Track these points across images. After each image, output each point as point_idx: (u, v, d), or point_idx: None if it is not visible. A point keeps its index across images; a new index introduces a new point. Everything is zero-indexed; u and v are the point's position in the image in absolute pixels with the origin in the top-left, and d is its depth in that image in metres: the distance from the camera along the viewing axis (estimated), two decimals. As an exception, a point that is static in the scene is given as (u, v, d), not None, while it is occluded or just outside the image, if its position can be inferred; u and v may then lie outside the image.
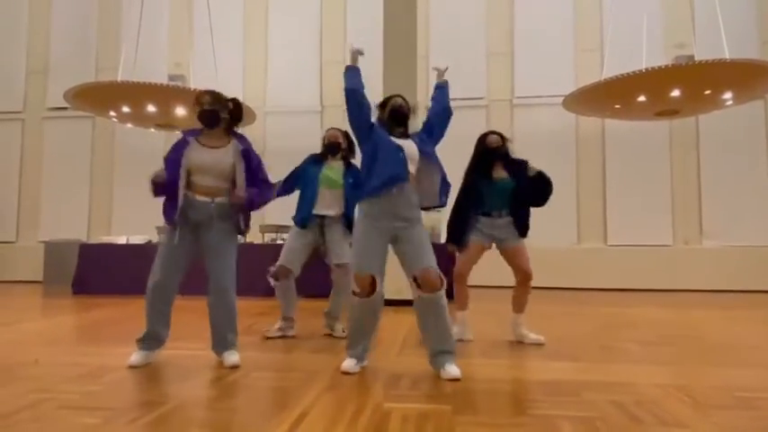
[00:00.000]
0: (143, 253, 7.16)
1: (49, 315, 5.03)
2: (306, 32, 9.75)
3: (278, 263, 3.70)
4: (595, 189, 8.87)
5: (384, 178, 2.60)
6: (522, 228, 3.60)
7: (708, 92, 6.79)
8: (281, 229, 7.30)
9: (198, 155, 2.80)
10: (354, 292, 2.65)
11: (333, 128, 3.96)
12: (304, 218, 3.69)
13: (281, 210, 10.01)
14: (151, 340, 2.87)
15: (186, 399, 2.22)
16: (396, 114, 2.81)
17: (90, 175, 10.06)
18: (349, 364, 2.69)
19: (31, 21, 10.46)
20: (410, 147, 2.73)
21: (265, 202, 2.99)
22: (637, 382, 2.51)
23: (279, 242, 7.24)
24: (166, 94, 7.49)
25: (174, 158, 2.80)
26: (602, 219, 8.84)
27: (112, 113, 8.11)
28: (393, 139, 2.72)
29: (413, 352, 3.26)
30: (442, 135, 2.98)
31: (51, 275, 8.50)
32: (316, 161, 3.82)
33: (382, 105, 2.90)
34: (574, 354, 3.21)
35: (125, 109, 7.80)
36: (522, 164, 3.62)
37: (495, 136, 3.66)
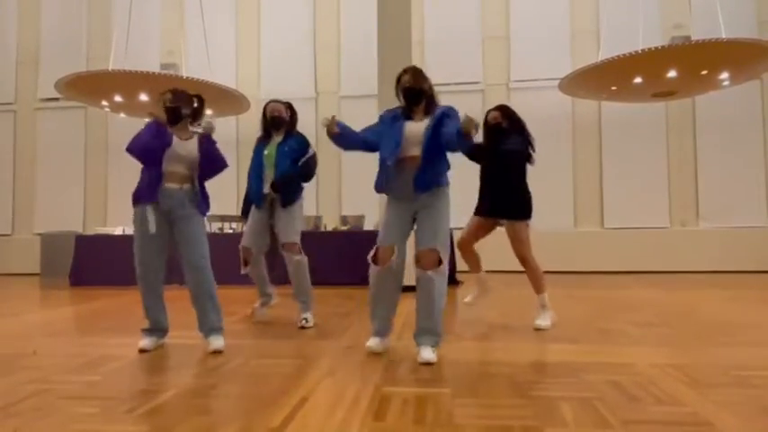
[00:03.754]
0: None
1: (46, 307, 5.02)
2: (299, 18, 9.63)
3: (241, 244, 3.77)
4: (592, 172, 8.86)
5: (380, 173, 2.78)
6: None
7: (704, 72, 6.75)
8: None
9: (175, 145, 2.93)
10: (373, 262, 2.74)
11: (274, 100, 3.85)
12: (254, 197, 3.73)
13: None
14: (154, 329, 3.00)
15: (186, 387, 2.22)
16: (406, 95, 2.80)
17: (84, 166, 10.00)
18: (373, 342, 2.77)
19: (20, 9, 10.30)
20: (417, 128, 2.73)
21: (216, 167, 3.05)
22: (635, 362, 2.52)
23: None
24: (159, 82, 7.40)
25: (159, 144, 2.89)
26: (598, 202, 8.85)
27: (105, 103, 8.03)
28: (402, 124, 2.75)
29: (412, 336, 3.26)
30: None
31: (48, 267, 8.48)
32: (262, 142, 3.79)
33: (397, 82, 2.84)
34: (572, 336, 3.23)
35: (117, 98, 7.72)
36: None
37: (494, 112, 3.66)
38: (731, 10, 7.64)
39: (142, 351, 2.87)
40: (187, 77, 7.53)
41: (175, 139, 2.97)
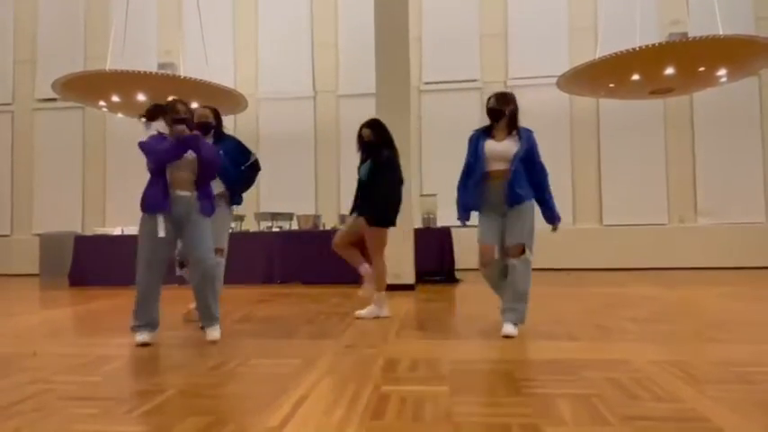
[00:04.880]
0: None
1: (46, 307, 5.02)
2: (297, 16, 9.62)
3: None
4: (590, 169, 8.87)
5: (471, 206, 3.35)
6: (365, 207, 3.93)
7: (702, 69, 6.75)
8: (276, 216, 7.28)
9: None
10: (481, 261, 3.31)
11: (203, 106, 3.94)
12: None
13: (278, 198, 9.96)
14: (150, 326, 3.10)
15: (185, 387, 2.22)
16: (489, 115, 3.34)
17: (82, 167, 9.99)
18: (509, 328, 3.15)
19: (17, 10, 10.28)
20: (507, 147, 3.23)
21: (212, 160, 3.16)
22: (633, 359, 2.53)
23: (274, 229, 7.23)
24: (157, 82, 7.41)
25: (173, 157, 3.04)
26: (597, 199, 8.86)
27: (102, 103, 8.02)
28: (483, 143, 3.27)
29: (410, 335, 3.28)
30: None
31: (47, 268, 8.48)
32: None
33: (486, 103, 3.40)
34: (570, 333, 3.23)
35: (115, 98, 7.70)
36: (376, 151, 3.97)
37: (366, 130, 3.99)
38: (728, 6, 7.64)
39: (144, 345, 3.00)
40: (185, 77, 7.52)
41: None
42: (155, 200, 3.00)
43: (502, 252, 3.26)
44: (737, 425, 1.68)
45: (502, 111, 3.28)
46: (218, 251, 3.64)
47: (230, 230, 3.97)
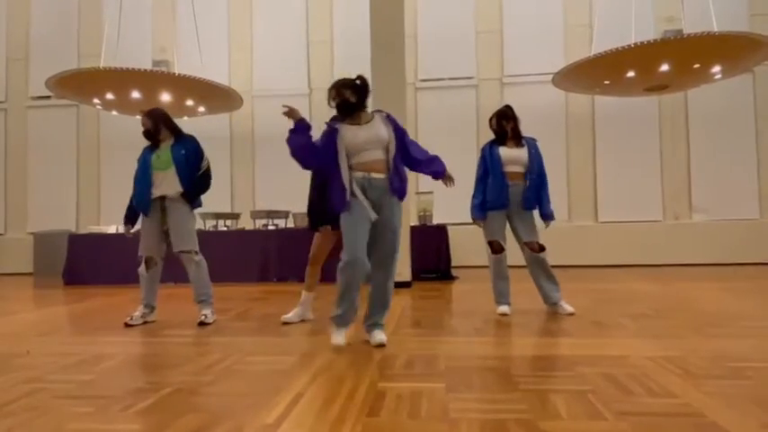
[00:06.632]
0: (134, 242, 7.11)
1: (40, 306, 5.00)
2: (292, 13, 9.58)
3: (140, 254, 3.79)
4: (586, 166, 8.89)
5: (491, 205, 3.85)
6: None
7: (697, 66, 6.77)
8: (272, 214, 7.26)
9: (352, 135, 2.85)
10: (489, 252, 3.90)
11: (142, 112, 3.85)
12: (139, 204, 3.76)
13: (274, 196, 9.90)
14: (349, 317, 2.91)
15: (180, 385, 2.21)
16: (494, 132, 3.95)
17: (76, 165, 9.93)
18: (503, 308, 3.79)
19: (10, 7, 10.19)
20: (519, 153, 3.82)
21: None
22: (629, 354, 2.53)
23: (270, 227, 7.22)
24: (151, 79, 7.36)
25: (325, 143, 2.88)
26: (592, 196, 8.89)
27: (96, 101, 7.96)
28: (501, 153, 3.82)
29: (406, 332, 3.28)
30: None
31: (42, 267, 8.43)
32: (150, 149, 3.80)
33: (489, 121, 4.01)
34: (566, 329, 3.24)
35: (109, 96, 7.66)
36: None
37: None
38: (722, 3, 7.66)
39: (338, 347, 2.81)
40: (179, 74, 7.48)
41: (349, 128, 2.86)
42: (335, 200, 2.87)
43: (505, 245, 3.89)
44: (732, 420, 1.69)
45: (505, 130, 3.87)
46: (184, 252, 3.68)
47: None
